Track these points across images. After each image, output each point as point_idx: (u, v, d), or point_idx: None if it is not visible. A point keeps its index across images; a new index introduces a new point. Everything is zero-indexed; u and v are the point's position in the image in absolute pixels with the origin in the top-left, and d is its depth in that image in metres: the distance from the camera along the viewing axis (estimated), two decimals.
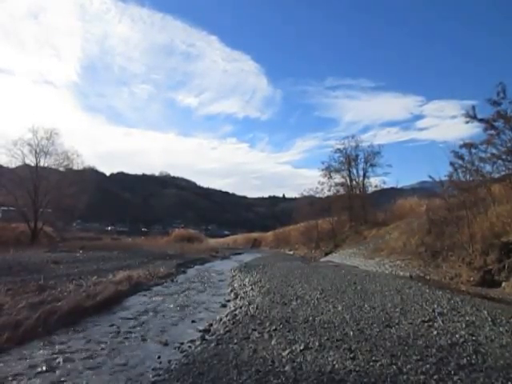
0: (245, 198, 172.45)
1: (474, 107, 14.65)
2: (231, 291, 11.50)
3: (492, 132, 13.99)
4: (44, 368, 4.73)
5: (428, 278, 13.37)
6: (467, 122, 14.86)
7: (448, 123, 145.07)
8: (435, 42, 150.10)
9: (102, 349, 5.59)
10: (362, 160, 35.86)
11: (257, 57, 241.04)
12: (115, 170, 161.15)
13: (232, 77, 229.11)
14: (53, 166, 33.74)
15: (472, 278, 11.38)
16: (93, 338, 6.12)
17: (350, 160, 36.34)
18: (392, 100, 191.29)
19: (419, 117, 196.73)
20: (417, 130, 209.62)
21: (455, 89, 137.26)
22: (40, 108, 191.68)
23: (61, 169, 34.55)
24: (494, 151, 14.04)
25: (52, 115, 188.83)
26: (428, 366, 4.40)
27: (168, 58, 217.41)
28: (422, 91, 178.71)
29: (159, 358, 5.15)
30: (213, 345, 5.57)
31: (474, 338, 5.55)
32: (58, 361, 5.01)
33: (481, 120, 14.44)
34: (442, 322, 6.60)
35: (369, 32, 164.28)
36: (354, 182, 36.65)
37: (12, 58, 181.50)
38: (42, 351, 5.44)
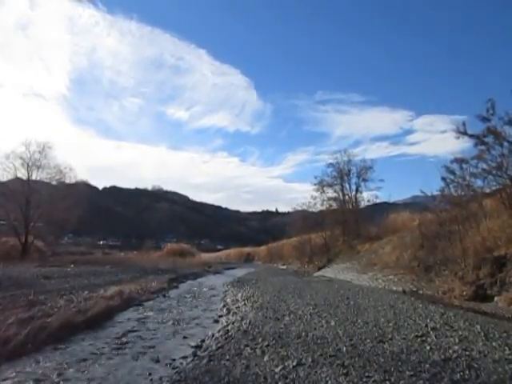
0: (237, 212, 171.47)
1: (464, 123, 14.96)
2: (224, 306, 11.39)
3: (482, 147, 14.23)
4: None
5: (421, 292, 13.39)
6: (458, 138, 15.12)
7: (438, 138, 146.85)
8: (424, 57, 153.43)
9: (92, 365, 5.47)
10: (355, 174, 36.15)
11: (246, 71, 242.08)
12: (107, 184, 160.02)
13: (222, 90, 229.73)
14: (45, 180, 33.63)
15: (465, 293, 11.41)
16: (83, 355, 5.99)
17: (343, 174, 36.54)
18: (382, 114, 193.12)
19: (409, 131, 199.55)
20: (407, 144, 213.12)
21: (444, 104, 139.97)
22: (30, 121, 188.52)
23: (53, 182, 34.42)
24: (485, 166, 14.26)
25: (42, 128, 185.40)
26: (421, 381, 4.38)
27: (157, 72, 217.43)
28: (411, 106, 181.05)
29: (150, 374, 5.06)
30: (205, 361, 5.49)
31: (467, 353, 5.55)
32: (47, 378, 4.90)
33: (471, 136, 14.68)
34: (435, 336, 6.60)
35: (358, 47, 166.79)
36: (346, 197, 36.79)
37: (1, 71, 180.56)
38: (30, 368, 5.32)
